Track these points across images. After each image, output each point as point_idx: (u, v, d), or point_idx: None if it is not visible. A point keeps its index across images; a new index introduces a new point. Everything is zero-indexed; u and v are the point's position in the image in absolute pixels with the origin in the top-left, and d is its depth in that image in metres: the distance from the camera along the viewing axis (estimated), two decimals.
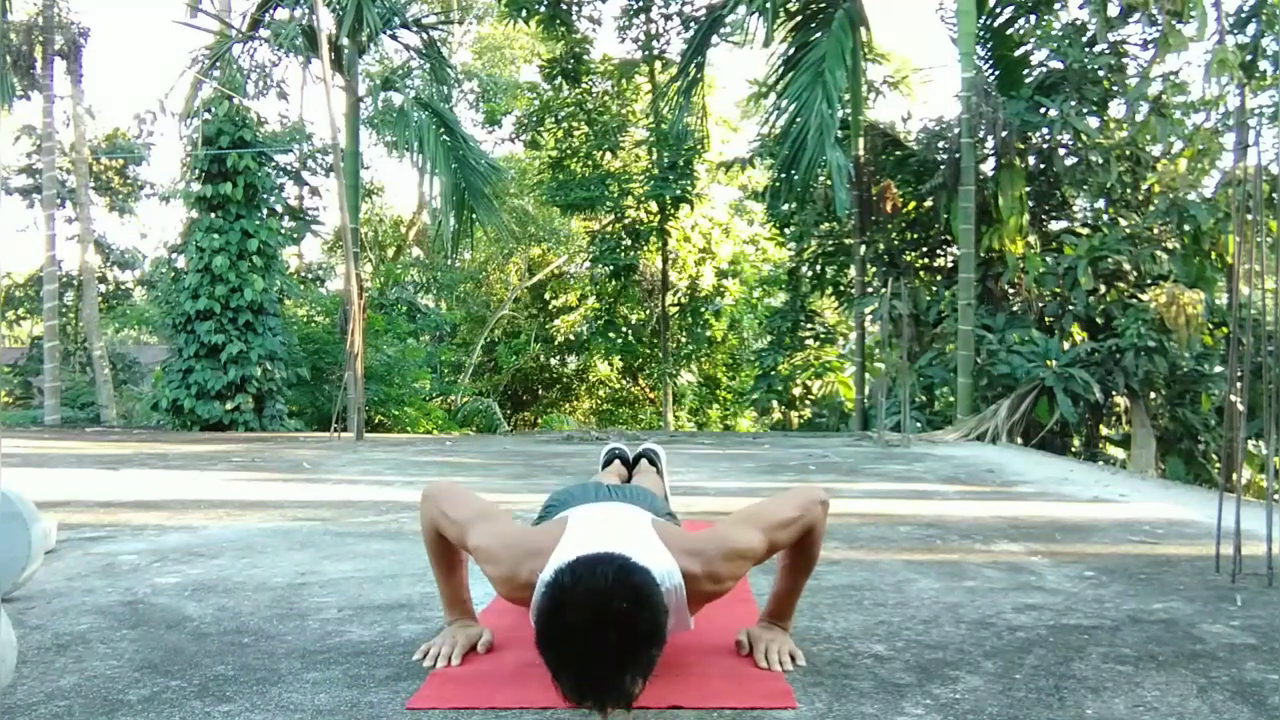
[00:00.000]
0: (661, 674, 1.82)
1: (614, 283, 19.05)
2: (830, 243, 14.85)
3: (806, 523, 1.94)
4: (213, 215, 11.53)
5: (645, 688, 1.64)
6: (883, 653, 1.99)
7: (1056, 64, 11.50)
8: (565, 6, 16.95)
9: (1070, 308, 10.56)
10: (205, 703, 1.68)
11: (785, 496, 2.00)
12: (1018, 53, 12.05)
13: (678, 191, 16.98)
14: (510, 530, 1.97)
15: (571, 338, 21.11)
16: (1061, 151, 11.40)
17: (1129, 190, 11.52)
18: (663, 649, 1.64)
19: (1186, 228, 10.40)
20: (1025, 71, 11.88)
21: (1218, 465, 9.93)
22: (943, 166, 11.52)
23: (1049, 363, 9.85)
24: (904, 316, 10.48)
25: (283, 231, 15.81)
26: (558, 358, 21.72)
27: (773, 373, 15.64)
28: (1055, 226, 12.29)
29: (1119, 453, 11.38)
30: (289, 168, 18.07)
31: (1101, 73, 11.20)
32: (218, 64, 13.06)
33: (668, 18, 17.27)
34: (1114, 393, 10.26)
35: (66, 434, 10.83)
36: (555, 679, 1.60)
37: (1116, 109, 11.81)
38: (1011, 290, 11.57)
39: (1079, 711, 1.66)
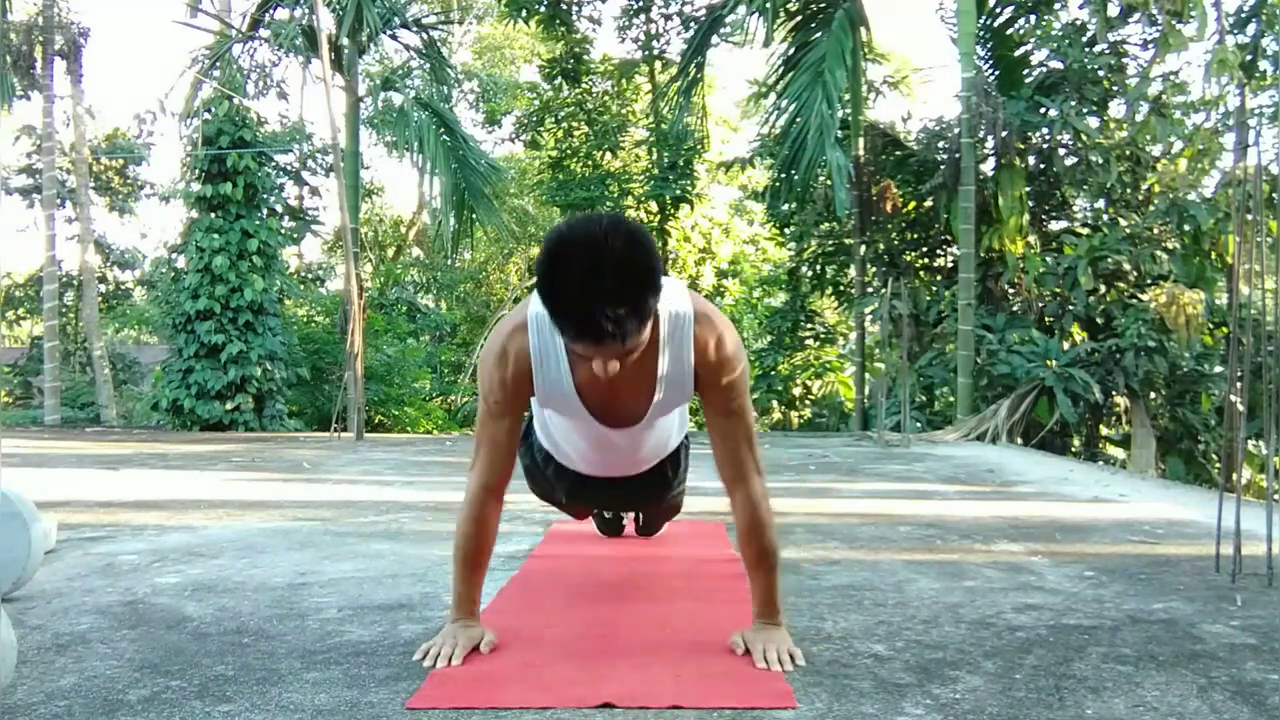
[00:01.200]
0: (662, 674, 1.82)
1: None
2: (830, 243, 14.85)
3: (752, 479, 1.95)
4: (213, 215, 11.53)
5: (642, 336, 1.71)
6: (883, 653, 1.99)
7: (1056, 64, 11.50)
8: (565, 6, 16.94)
9: (1070, 308, 10.57)
10: (205, 703, 1.68)
11: None
12: (1018, 53, 12.05)
13: (678, 191, 16.98)
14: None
15: None
16: (1061, 151, 11.40)
17: (1129, 190, 11.52)
18: (658, 297, 1.70)
19: (1186, 228, 10.40)
20: (1025, 71, 11.89)
21: (1218, 465, 9.93)
22: (943, 166, 11.53)
23: (1049, 363, 9.85)
24: (904, 316, 10.48)
25: (283, 231, 15.80)
26: None
27: (773, 373, 15.64)
28: (1055, 226, 12.30)
29: (1119, 453, 11.38)
30: (289, 168, 18.07)
31: (1101, 73, 11.20)
32: (218, 64, 13.06)
33: (668, 18, 17.27)
34: (1114, 393, 10.26)
35: (66, 434, 10.83)
36: (554, 320, 1.68)
37: (1116, 109, 11.82)
38: (1011, 290, 11.57)
39: (1079, 711, 1.66)
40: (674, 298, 1.86)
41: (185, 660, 1.93)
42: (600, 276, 1.61)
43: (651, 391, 1.94)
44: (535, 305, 1.81)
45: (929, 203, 12.52)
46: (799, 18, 12.08)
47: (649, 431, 2.10)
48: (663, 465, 2.37)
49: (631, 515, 3.02)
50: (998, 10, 11.99)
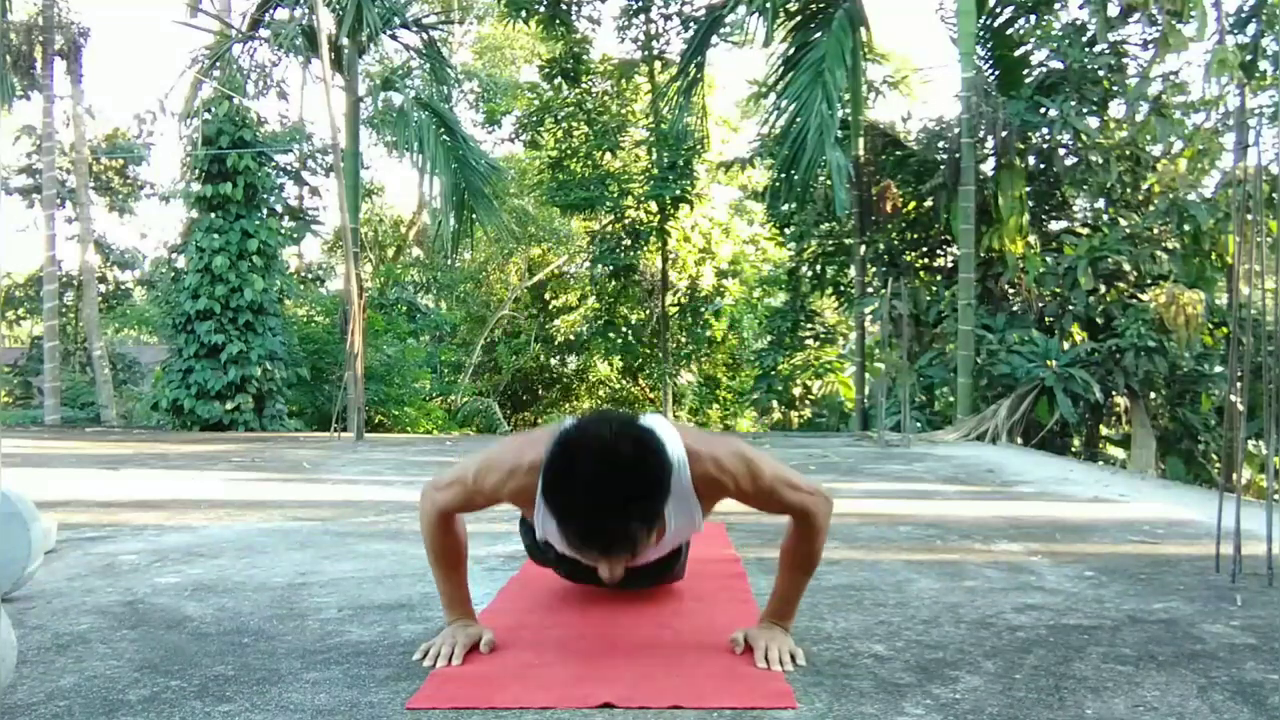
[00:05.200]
0: (662, 674, 1.82)
1: (614, 283, 19.04)
2: (830, 243, 14.85)
3: (809, 503, 1.94)
4: (213, 215, 11.52)
5: (650, 541, 1.67)
6: (883, 653, 1.99)
7: (1056, 64, 11.49)
8: (565, 6, 16.93)
9: (1070, 308, 10.56)
10: (205, 703, 1.68)
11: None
12: (1018, 53, 12.04)
13: (677, 191, 16.97)
14: (507, 440, 2.00)
15: (571, 338, 21.10)
16: (1061, 151, 11.39)
17: (1129, 190, 11.52)
18: (665, 501, 1.67)
19: (1186, 228, 10.40)
20: (1025, 71, 11.88)
21: (1218, 465, 9.93)
22: (943, 166, 11.52)
23: (1049, 363, 9.85)
24: (904, 316, 10.47)
25: (283, 231, 15.80)
26: (558, 358, 21.71)
27: (773, 373, 15.64)
28: (1055, 226, 12.29)
29: (1119, 453, 11.38)
30: (289, 168, 18.07)
31: (1101, 73, 11.19)
32: (218, 64, 13.06)
33: (668, 18, 17.26)
34: (1114, 393, 10.25)
35: (66, 434, 10.83)
36: (561, 530, 1.65)
37: (1116, 109, 11.81)
38: (1011, 290, 11.56)
39: (1079, 711, 1.66)
40: (665, 439, 1.78)
41: (185, 660, 1.93)
42: (610, 493, 1.56)
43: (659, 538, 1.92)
44: None
45: (929, 203, 12.51)
46: (799, 18, 12.06)
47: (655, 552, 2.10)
48: (668, 555, 2.36)
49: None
50: (998, 10, 11.98)
